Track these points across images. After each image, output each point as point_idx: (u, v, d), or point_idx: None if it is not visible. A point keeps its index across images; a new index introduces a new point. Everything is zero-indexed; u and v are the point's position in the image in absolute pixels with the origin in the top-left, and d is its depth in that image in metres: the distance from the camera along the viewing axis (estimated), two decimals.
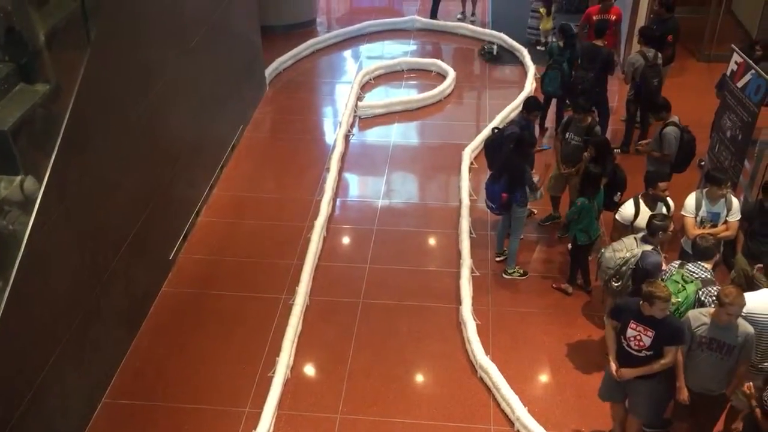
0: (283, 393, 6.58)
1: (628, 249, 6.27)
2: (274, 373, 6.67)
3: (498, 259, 8.25)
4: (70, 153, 5.67)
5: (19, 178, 5.07)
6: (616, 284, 6.37)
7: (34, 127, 5.29)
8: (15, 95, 5.34)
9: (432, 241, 8.70)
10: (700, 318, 5.33)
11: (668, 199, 6.93)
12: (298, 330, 7.22)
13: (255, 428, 6.11)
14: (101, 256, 6.53)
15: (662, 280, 5.83)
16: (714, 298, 5.65)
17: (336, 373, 6.85)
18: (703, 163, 8.96)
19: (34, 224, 5.19)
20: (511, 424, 6.30)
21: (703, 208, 6.85)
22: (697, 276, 5.85)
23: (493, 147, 8.08)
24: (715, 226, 6.85)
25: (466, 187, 9.28)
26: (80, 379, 6.23)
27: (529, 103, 8.31)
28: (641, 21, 11.56)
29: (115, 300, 6.78)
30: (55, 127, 5.46)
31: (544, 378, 6.83)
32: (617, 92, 11.32)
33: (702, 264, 5.93)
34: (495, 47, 12.98)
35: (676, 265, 6.05)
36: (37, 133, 5.39)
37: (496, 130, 8.28)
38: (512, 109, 10.82)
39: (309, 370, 6.94)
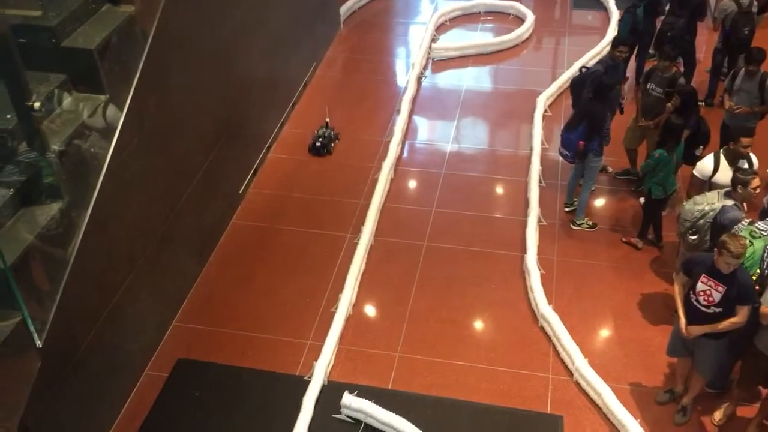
0: (345, 328, 6.71)
1: (708, 202, 6.05)
2: (336, 308, 6.81)
3: (567, 209, 8.09)
4: (149, 82, 5.79)
5: (103, 98, 5.20)
6: (692, 237, 6.17)
7: (118, 49, 5.39)
8: (101, 15, 5.44)
9: (500, 188, 8.59)
10: None
11: (752, 155, 6.61)
12: (361, 268, 7.31)
13: (316, 360, 6.28)
14: (175, 186, 6.72)
15: None
16: None
17: (397, 313, 6.93)
18: None
19: (115, 150, 5.35)
20: (570, 374, 6.28)
21: None
22: (766, 233, 5.62)
23: (579, 86, 7.87)
24: None
25: (539, 135, 9.07)
26: (153, 302, 6.50)
27: (616, 39, 8.00)
28: None
29: (186, 229, 7.00)
30: (138, 52, 5.57)
31: (607, 331, 6.74)
32: (705, 42, 10.76)
33: None
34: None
35: (746, 223, 5.83)
36: (120, 56, 5.50)
37: (583, 69, 8.02)
38: (592, 56, 10.43)
39: (370, 308, 7.05)
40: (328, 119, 9.25)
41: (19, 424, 4.48)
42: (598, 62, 8.25)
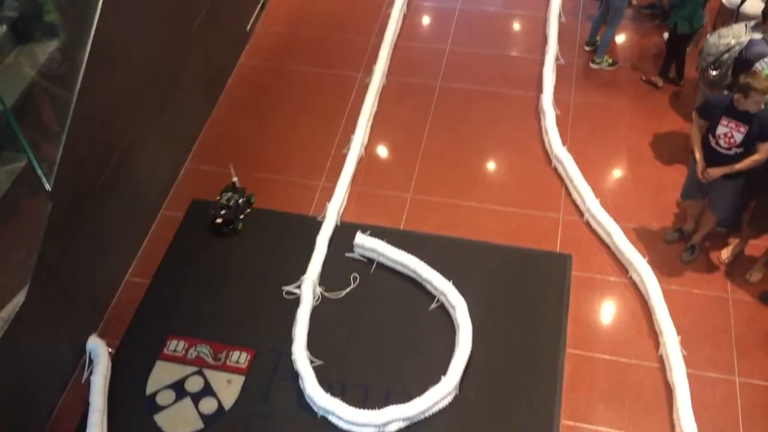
0: (357, 170, 6.69)
1: (734, 36, 5.72)
2: (348, 150, 6.76)
3: (588, 48, 7.75)
4: None
5: None
6: (713, 73, 5.90)
7: None
8: None
9: (517, 24, 8.20)
10: None
11: None
12: (373, 109, 7.17)
13: (329, 201, 6.32)
14: (179, 22, 6.45)
15: None
16: None
17: (409, 154, 6.88)
18: None
19: None
20: (581, 214, 6.31)
21: None
22: None
23: None
24: None
25: None
26: (164, 144, 6.46)
27: None
28: None
29: (194, 69, 6.81)
30: None
31: (621, 171, 6.68)
32: None
33: None
34: None
35: (767, 61, 5.55)
36: None
37: None
38: None
39: (382, 149, 6.99)
40: (235, 179, 6.35)
41: (37, 262, 4.60)
42: None
